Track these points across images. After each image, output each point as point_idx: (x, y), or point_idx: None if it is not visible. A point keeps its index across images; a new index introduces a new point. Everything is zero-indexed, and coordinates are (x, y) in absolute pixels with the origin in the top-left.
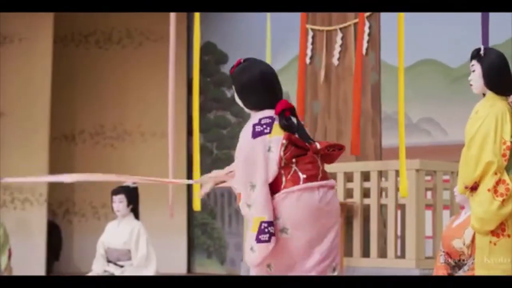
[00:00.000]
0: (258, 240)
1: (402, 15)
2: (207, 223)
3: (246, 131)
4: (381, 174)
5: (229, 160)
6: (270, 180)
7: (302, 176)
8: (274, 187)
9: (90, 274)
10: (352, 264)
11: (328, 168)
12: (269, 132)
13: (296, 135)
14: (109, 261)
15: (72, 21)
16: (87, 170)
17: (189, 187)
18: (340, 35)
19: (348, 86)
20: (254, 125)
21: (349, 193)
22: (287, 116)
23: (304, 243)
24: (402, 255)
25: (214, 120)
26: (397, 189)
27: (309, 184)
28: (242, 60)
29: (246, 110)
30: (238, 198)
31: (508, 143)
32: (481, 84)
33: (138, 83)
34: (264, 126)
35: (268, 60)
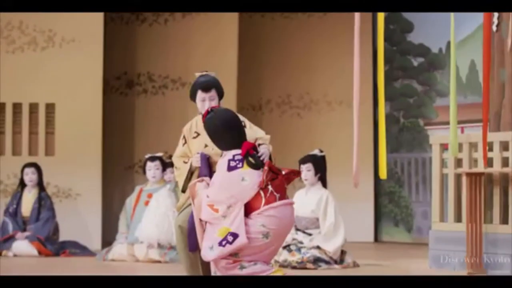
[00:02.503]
0: (220, 244)
1: None
2: (394, 192)
3: (222, 164)
4: None
5: (415, 128)
6: (246, 201)
7: (277, 195)
8: (252, 205)
9: None
10: None
11: None
12: (242, 167)
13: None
14: (297, 229)
15: None
16: (274, 139)
17: (376, 155)
18: None
19: None
20: (229, 160)
21: None
22: (251, 154)
23: (276, 247)
24: None
25: (401, 89)
26: None
27: (285, 201)
28: (210, 109)
29: (220, 150)
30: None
31: None
32: None
33: (324, 52)
34: (237, 162)
35: (452, 29)
